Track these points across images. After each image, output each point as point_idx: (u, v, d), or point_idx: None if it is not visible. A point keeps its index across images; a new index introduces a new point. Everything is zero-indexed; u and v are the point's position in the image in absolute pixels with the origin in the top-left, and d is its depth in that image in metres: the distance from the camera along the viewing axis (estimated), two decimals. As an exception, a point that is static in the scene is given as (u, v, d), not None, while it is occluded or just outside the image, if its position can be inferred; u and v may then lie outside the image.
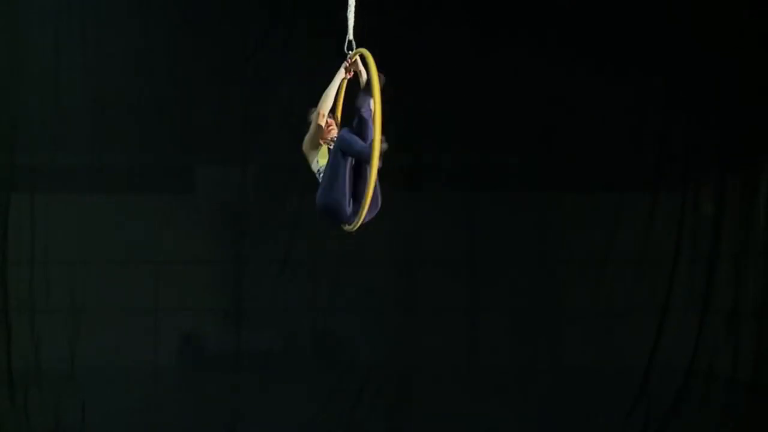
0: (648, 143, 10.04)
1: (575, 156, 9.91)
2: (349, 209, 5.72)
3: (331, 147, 5.98)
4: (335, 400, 9.90)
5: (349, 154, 5.67)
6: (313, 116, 6.02)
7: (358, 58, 5.94)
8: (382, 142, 5.43)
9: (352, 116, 5.85)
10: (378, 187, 5.58)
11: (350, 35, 5.97)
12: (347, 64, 5.98)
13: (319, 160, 6.04)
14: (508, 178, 10.03)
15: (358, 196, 5.69)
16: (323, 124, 6.02)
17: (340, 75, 6.02)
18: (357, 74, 6.03)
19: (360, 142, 5.65)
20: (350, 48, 5.94)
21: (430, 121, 9.47)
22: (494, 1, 9.78)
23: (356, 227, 5.69)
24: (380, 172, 5.51)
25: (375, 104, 5.41)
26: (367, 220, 5.71)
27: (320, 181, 5.90)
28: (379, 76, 5.51)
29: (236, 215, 10.02)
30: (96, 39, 9.82)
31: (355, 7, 6.03)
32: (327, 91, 5.99)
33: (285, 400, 9.85)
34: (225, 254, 10.03)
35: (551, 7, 9.79)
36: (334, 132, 6.08)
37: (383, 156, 5.47)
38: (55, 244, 9.80)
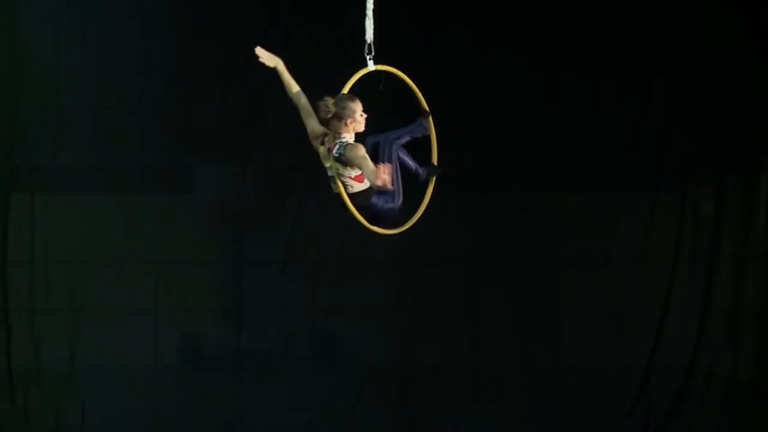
0: (648, 143, 10.00)
1: (575, 156, 9.86)
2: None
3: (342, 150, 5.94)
4: (335, 400, 9.88)
5: (405, 167, 5.94)
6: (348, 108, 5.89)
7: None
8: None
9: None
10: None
11: (370, 38, 5.99)
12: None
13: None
14: (508, 178, 9.96)
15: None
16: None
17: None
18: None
19: (413, 161, 6.01)
20: (369, 51, 5.97)
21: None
22: (493, 1, 9.76)
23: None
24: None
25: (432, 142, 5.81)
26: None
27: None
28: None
29: (236, 215, 10.00)
30: (96, 39, 9.79)
31: (373, 10, 6.05)
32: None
33: (285, 400, 9.83)
34: (225, 254, 10.00)
35: (551, 7, 9.76)
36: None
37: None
38: (55, 244, 9.76)
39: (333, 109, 5.84)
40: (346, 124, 5.84)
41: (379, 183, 5.49)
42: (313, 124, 5.96)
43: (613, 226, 10.07)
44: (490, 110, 9.70)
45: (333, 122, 5.86)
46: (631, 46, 9.82)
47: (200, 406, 9.79)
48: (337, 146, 5.83)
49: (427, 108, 6.18)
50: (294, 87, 6.04)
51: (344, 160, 5.80)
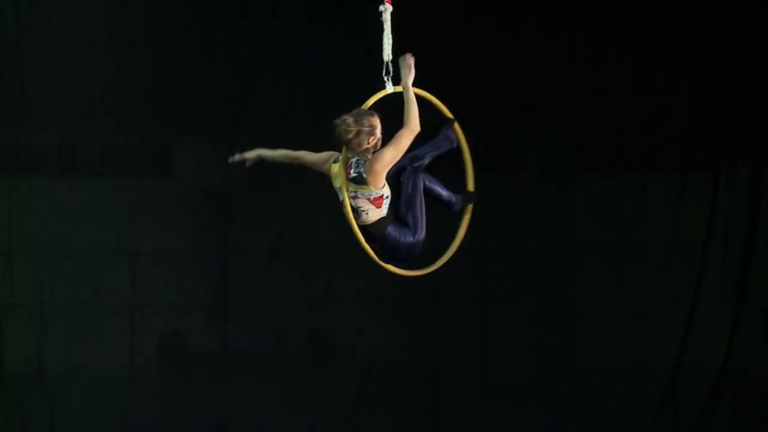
0: (676, 121, 9.89)
1: (595, 137, 9.79)
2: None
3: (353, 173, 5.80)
4: (331, 404, 9.74)
5: (434, 196, 5.73)
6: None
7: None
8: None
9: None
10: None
11: (388, 56, 5.76)
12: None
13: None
14: (522, 160, 9.93)
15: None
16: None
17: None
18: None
19: (445, 189, 5.80)
20: (388, 72, 5.76)
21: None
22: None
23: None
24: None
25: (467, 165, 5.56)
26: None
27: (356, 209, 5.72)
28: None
29: (221, 200, 9.82)
30: (69, 11, 9.57)
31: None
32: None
33: (276, 405, 9.70)
34: (209, 243, 9.85)
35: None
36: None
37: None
38: (19, 232, 9.56)
39: (354, 127, 5.70)
40: (368, 142, 5.70)
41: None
42: (317, 158, 5.93)
43: (638, 212, 9.92)
44: (505, 87, 9.63)
45: (354, 141, 5.71)
46: (658, 22, 9.79)
47: (181, 410, 9.64)
48: (353, 166, 5.71)
49: (450, 115, 5.86)
50: (288, 155, 6.00)
51: (365, 179, 5.67)
